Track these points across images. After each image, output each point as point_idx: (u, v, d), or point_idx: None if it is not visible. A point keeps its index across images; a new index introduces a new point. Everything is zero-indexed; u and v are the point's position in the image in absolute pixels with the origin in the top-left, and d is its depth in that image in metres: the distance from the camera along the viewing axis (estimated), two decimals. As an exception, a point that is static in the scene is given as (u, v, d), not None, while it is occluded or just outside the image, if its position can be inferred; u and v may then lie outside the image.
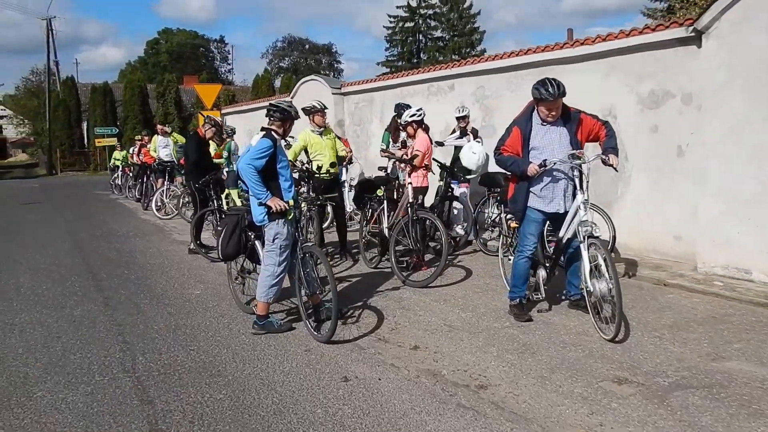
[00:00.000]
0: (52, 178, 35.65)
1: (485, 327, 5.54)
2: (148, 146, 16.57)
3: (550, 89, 5.05)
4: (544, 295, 5.71)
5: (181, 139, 15.46)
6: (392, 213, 7.80)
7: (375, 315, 6.05)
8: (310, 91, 14.72)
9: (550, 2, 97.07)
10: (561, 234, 5.44)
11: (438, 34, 57.45)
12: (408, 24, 57.12)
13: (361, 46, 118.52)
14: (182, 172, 13.28)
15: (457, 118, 9.38)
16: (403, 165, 7.95)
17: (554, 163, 5.19)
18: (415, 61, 56.03)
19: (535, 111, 5.36)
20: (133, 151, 19.03)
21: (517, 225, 5.94)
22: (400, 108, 9.01)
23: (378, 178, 8.34)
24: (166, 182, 14.38)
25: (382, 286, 7.10)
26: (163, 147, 15.01)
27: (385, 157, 8.84)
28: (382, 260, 7.90)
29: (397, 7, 56.66)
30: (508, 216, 6.54)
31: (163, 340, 5.54)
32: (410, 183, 7.33)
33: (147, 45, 72.32)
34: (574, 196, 5.32)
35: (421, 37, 57.85)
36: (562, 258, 5.70)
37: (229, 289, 6.75)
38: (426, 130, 8.07)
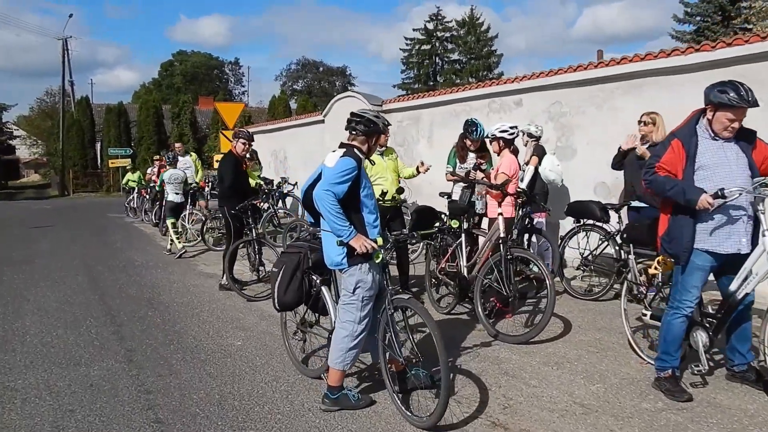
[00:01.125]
0: (65, 200, 34.53)
1: (631, 408, 4.17)
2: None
3: (743, 93, 3.75)
4: (706, 367, 4.32)
5: (198, 164, 14.25)
6: (471, 249, 6.48)
7: (473, 384, 4.70)
8: (345, 108, 13.45)
9: (561, 29, 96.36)
10: (736, 286, 4.09)
11: (455, 56, 56.54)
12: (425, 47, 56.28)
13: (371, 70, 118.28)
14: (205, 195, 12.06)
15: (530, 136, 8.09)
16: (484, 191, 6.67)
17: (738, 195, 3.85)
18: (431, 83, 55.08)
19: (702, 122, 4.05)
20: (152, 171, 17.81)
21: (658, 271, 4.59)
22: (470, 125, 7.73)
23: (452, 205, 7.02)
24: (188, 206, 13.10)
25: (467, 340, 5.76)
26: (184, 168, 13.75)
27: (453, 181, 7.55)
28: (457, 305, 6.55)
29: (414, 29, 55.94)
30: (639, 258, 5.21)
31: (207, 419, 4.20)
32: (501, 214, 5.99)
33: (161, 67, 71.74)
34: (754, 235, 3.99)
35: (437, 60, 56.96)
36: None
37: (284, 346, 5.41)
38: (515, 152, 6.77)
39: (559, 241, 7.44)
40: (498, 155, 6.72)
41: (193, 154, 14.26)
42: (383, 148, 7.23)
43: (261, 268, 8.23)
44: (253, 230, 8.18)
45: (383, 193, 6.82)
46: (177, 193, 12.12)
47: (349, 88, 74.02)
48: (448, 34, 56.16)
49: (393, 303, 4.20)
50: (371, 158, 7.06)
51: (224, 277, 8.31)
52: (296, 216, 13.30)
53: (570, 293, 7.23)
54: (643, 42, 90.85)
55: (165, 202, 12.94)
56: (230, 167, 8.31)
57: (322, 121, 14.55)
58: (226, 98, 57.19)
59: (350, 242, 4.03)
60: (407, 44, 56.53)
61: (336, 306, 4.68)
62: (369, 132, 4.39)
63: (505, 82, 9.64)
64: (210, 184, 15.51)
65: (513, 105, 9.53)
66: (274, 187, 12.74)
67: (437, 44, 56.29)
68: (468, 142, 7.82)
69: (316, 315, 5.08)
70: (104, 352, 5.76)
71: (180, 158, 13.75)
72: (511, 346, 5.48)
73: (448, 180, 7.86)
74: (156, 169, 17.45)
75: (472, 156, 7.85)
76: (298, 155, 16.35)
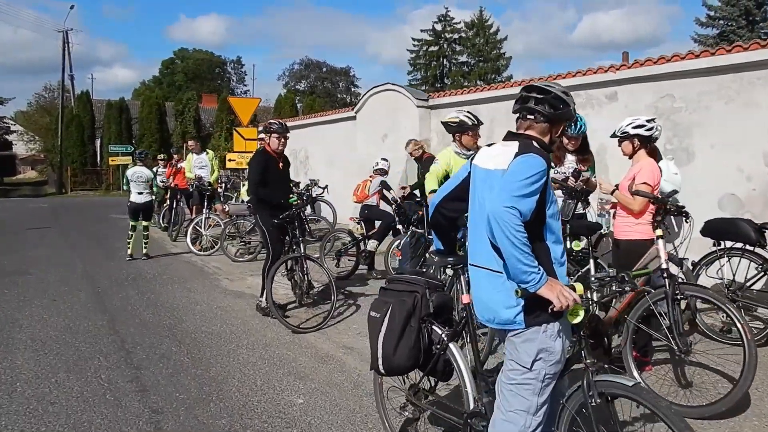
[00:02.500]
0: (62, 198, 32.82)
1: None
2: (181, 165, 13.76)
3: None
4: None
5: (215, 163, 12.68)
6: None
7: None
8: (382, 103, 11.94)
9: (560, 33, 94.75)
10: None
11: (463, 58, 55.11)
12: (432, 48, 54.84)
13: (370, 72, 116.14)
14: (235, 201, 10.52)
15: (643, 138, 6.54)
16: (609, 206, 5.13)
17: None
18: (438, 85, 53.59)
19: None
20: (157, 171, 16.18)
21: None
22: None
23: (576, 222, 5.45)
24: (204, 210, 11.53)
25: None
26: (199, 167, 12.18)
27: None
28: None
29: (422, 30, 54.50)
30: None
31: None
32: (661, 237, 4.42)
33: (162, 64, 69.97)
34: None
35: (445, 62, 55.51)
36: None
37: (381, 421, 3.84)
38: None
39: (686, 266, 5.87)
40: (630, 158, 5.16)
41: (209, 152, 12.68)
42: (470, 152, 5.69)
43: (310, 291, 6.64)
44: (301, 244, 6.61)
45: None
46: (140, 193, 10.66)
47: (352, 89, 72.77)
48: (456, 36, 54.70)
49: (596, 387, 2.64)
50: (452, 159, 5.57)
51: (263, 298, 6.75)
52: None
53: (714, 338, 5.65)
54: (643, 49, 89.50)
55: (128, 202, 11.39)
56: (261, 166, 6.75)
57: (353, 118, 13.01)
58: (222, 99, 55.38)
59: (540, 291, 2.48)
60: (414, 45, 55.08)
61: (471, 375, 3.15)
62: (556, 117, 2.84)
63: (595, 72, 8.09)
64: (224, 185, 13.91)
65: (605, 99, 8.00)
66: (303, 191, 11.18)
67: (445, 45, 54.83)
68: (565, 140, 6.30)
69: (434, 382, 3.53)
70: (120, 413, 4.20)
71: (195, 156, 12.17)
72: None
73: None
74: (169, 170, 15.90)
75: (571, 158, 6.32)
76: (322, 155, 14.80)
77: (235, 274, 9.37)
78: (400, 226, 8.28)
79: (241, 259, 10.53)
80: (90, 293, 8.05)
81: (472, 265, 2.89)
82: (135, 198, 10.72)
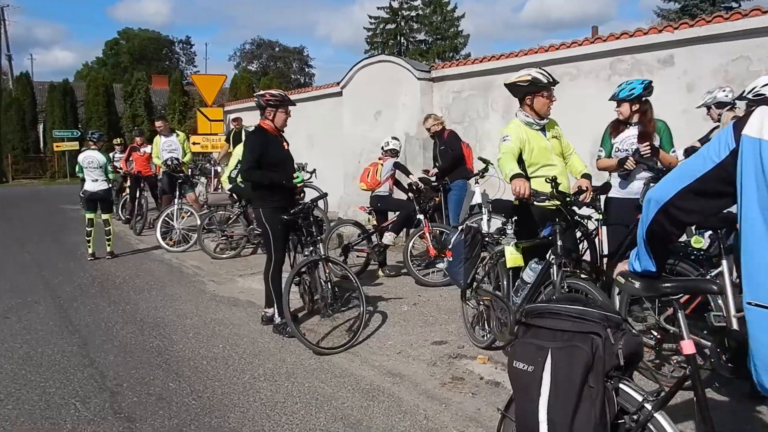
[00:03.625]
0: (4, 188, 30.36)
1: None
2: (144, 150, 12.22)
3: None
4: None
5: (187, 147, 11.21)
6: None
7: None
8: (374, 77, 10.64)
9: (509, 14, 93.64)
10: None
11: (421, 36, 53.86)
12: (389, 26, 53.40)
13: (322, 53, 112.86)
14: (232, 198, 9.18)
15: (719, 106, 5.54)
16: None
17: None
18: (396, 64, 52.06)
19: None
20: (114, 156, 14.51)
21: None
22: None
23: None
24: (176, 199, 10.09)
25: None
26: (168, 151, 10.70)
27: (605, 169, 4.99)
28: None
29: (378, 7, 52.94)
30: None
31: None
32: None
33: (106, 45, 66.55)
34: None
35: (402, 40, 54.15)
36: None
37: None
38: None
39: None
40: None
41: (180, 133, 11.17)
42: (544, 121, 4.53)
43: (336, 303, 5.37)
44: (319, 245, 5.35)
45: (555, 183, 4.09)
46: (95, 180, 9.24)
47: (307, 70, 70.75)
48: (413, 13, 53.35)
49: None
50: (524, 133, 4.42)
51: (269, 310, 5.51)
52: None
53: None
54: (588, 29, 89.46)
55: (82, 191, 10.00)
56: (260, 149, 5.46)
57: (339, 94, 11.68)
58: (177, 79, 52.85)
59: None
60: (371, 23, 53.50)
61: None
62: None
63: (645, 33, 6.99)
64: (190, 171, 12.41)
65: (657, 64, 6.92)
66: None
67: (402, 23, 53.43)
68: (619, 110, 5.28)
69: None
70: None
71: (164, 138, 10.68)
72: None
73: (600, 169, 5.28)
74: (125, 155, 14.29)
75: (629, 133, 5.28)
76: (300, 136, 13.33)
77: (221, 275, 8.04)
78: (421, 216, 7.09)
79: (222, 256, 9.19)
80: (51, 305, 6.63)
81: (759, 305, 1.72)
82: (89, 186, 9.27)
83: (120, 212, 13.53)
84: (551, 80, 4.37)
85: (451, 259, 4.85)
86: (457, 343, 5.07)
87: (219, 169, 11.97)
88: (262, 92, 5.69)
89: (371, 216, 7.55)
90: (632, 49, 7.10)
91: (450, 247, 4.86)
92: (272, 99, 5.56)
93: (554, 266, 3.90)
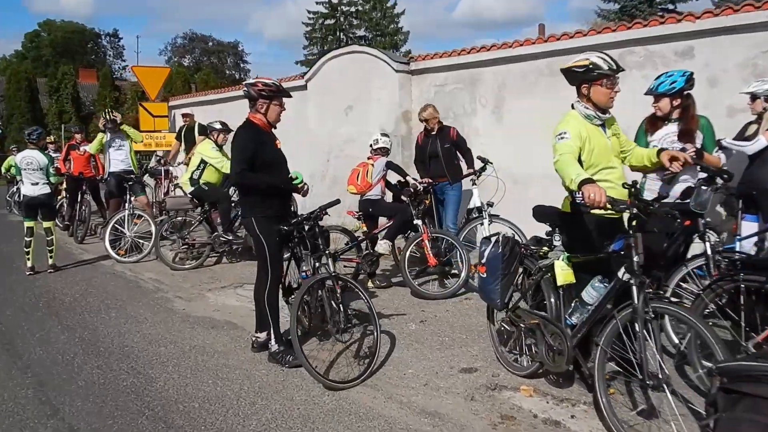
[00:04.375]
0: None
1: None
2: (84, 149, 11.06)
3: None
4: None
5: (137, 136, 10.14)
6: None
7: None
8: (344, 70, 9.85)
9: (442, 13, 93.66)
10: None
11: (361, 33, 53.14)
12: (329, 21, 52.48)
13: (256, 50, 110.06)
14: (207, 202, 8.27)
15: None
16: None
17: None
18: (335, 60, 51.23)
19: None
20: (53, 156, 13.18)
21: None
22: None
23: None
24: (127, 203, 9.06)
25: None
26: (115, 148, 9.61)
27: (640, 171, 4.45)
28: None
29: (317, 2, 51.90)
30: None
31: None
32: None
33: (26, 38, 62.78)
34: None
35: (342, 36, 53.30)
36: None
37: None
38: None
39: None
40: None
41: (129, 129, 10.06)
42: (606, 115, 3.92)
43: (349, 327, 4.58)
44: (328, 260, 4.59)
45: (636, 200, 3.48)
46: (35, 184, 8.19)
47: (242, 65, 68.82)
48: (353, 9, 52.58)
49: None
50: (584, 129, 3.79)
51: (270, 340, 4.70)
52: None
53: None
54: (519, 28, 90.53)
55: (19, 195, 9.03)
56: (252, 146, 4.66)
57: (303, 88, 10.84)
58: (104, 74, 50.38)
59: None
60: (310, 18, 52.42)
61: None
62: None
63: (662, 22, 6.49)
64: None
65: (673, 57, 6.42)
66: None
67: (342, 19, 52.59)
68: (658, 105, 4.80)
69: None
70: None
71: (109, 136, 9.58)
72: None
73: (633, 169, 4.72)
74: (56, 154, 13.01)
75: (668, 130, 4.79)
76: None
77: (187, 290, 7.14)
78: (419, 222, 6.40)
79: (183, 267, 8.25)
80: (-10, 334, 5.62)
81: None
82: (28, 190, 8.18)
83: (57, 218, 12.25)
84: (615, 67, 3.75)
85: (485, 275, 4.19)
86: (489, 371, 4.42)
87: (171, 169, 10.94)
88: (252, 81, 4.88)
89: (360, 222, 6.81)
90: (645, 40, 6.61)
91: (483, 261, 4.20)
92: (265, 89, 4.76)
93: (634, 287, 3.29)
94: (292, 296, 5.09)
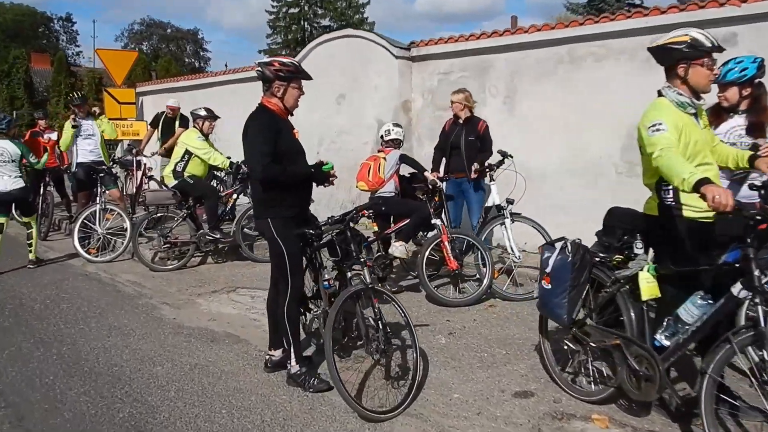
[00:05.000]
0: None
1: None
2: (48, 136, 10.13)
3: None
4: None
5: (112, 133, 9.25)
6: None
7: None
8: (337, 55, 9.14)
9: (402, 4, 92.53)
10: None
11: (325, 22, 52.17)
12: (293, 10, 51.37)
13: (215, 38, 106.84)
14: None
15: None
16: None
17: None
18: (299, 49, 50.23)
19: None
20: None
21: None
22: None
23: None
24: (100, 197, 8.21)
25: None
26: (85, 137, 8.71)
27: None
28: None
29: (281, -10, 50.74)
30: None
31: None
32: None
33: (-29, 21, 59.82)
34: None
35: (306, 25, 52.28)
36: None
37: None
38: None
39: None
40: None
41: (102, 119, 9.15)
42: (701, 101, 3.38)
43: (389, 347, 3.93)
44: (364, 269, 3.94)
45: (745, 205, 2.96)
46: (7, 176, 7.45)
47: (202, 54, 66.98)
48: (317, -2, 51.62)
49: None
50: (679, 119, 3.21)
51: (290, 361, 4.04)
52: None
53: None
54: (480, 21, 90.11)
55: (47, 184, 8.41)
56: (272, 133, 3.99)
57: (288, 74, 10.11)
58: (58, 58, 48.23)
59: None
60: (273, 6, 51.25)
61: None
62: None
63: (702, 6, 5.99)
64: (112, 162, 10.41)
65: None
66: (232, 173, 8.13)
67: (306, 7, 51.55)
68: (724, 95, 4.32)
69: None
70: None
71: (83, 122, 8.67)
72: None
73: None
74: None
75: (735, 122, 4.33)
76: (234, 125, 11.45)
77: (174, 295, 6.39)
78: (438, 221, 5.80)
79: (163, 268, 7.49)
80: (-50, 351, 4.80)
81: None
82: None
83: (15, 213, 11.23)
84: (717, 44, 3.22)
85: (549, 287, 3.62)
86: (547, 395, 3.85)
87: (144, 160, 10.08)
88: (267, 60, 4.20)
89: (370, 220, 6.16)
90: (680, 25, 6.11)
91: (548, 270, 3.62)
92: (283, 69, 4.09)
93: (760, 307, 2.76)
94: (313, 309, 4.45)
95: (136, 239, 7.51)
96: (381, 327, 3.79)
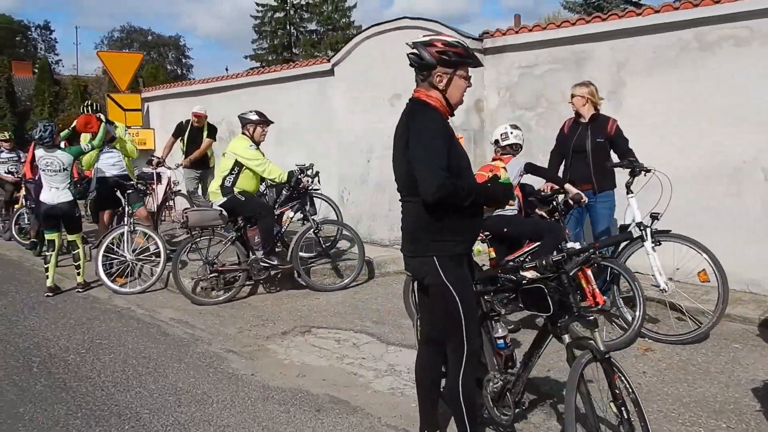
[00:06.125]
0: None
1: None
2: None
3: None
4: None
5: (134, 152, 7.91)
6: None
7: None
8: (391, 51, 7.94)
9: (376, 9, 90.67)
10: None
11: (312, 27, 51.04)
12: (278, 14, 50.12)
13: (195, 44, 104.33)
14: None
15: None
16: None
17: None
18: (286, 54, 49.20)
19: None
20: (0, 157, 10.77)
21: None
22: None
23: None
24: (126, 218, 6.97)
25: None
26: (105, 150, 7.43)
27: None
28: None
29: (265, -6, 49.40)
30: None
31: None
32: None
33: (-55, 29, 57.67)
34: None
35: (292, 30, 51.05)
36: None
37: None
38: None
39: None
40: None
41: (118, 125, 7.83)
42: None
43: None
44: (594, 333, 2.80)
45: None
46: (55, 188, 6.51)
47: (184, 61, 65.30)
48: (303, 2, 50.41)
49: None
50: None
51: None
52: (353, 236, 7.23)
53: None
54: (456, 25, 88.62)
55: (32, 203, 8.04)
56: (447, 137, 2.85)
57: (327, 73, 8.89)
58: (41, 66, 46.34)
59: None
60: (258, 11, 49.93)
61: None
62: None
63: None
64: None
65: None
66: (309, 181, 6.72)
67: (292, 12, 50.30)
68: None
69: None
70: None
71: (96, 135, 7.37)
72: None
73: None
74: (11, 155, 10.69)
75: None
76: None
77: (235, 338, 5.19)
78: (576, 244, 4.65)
79: (208, 300, 6.27)
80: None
81: None
82: (47, 196, 6.50)
83: (16, 234, 9.91)
84: None
85: None
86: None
87: (168, 173, 8.83)
88: (426, 39, 3.04)
89: (484, 245, 4.96)
90: (741, 15, 5.11)
91: None
92: (450, 52, 2.95)
93: None
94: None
95: (177, 267, 6.28)
96: (624, 413, 2.64)
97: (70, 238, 6.79)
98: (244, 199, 6.19)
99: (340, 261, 7.07)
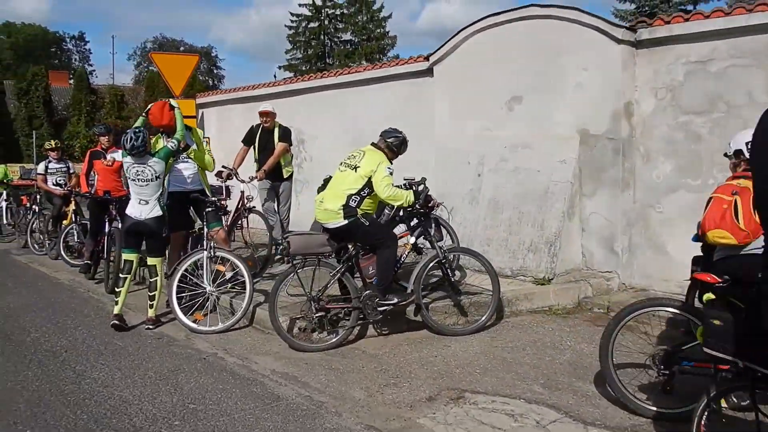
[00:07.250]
0: None
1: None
2: (112, 157, 7.72)
3: None
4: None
5: (210, 165, 6.63)
6: None
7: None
8: (509, 45, 6.72)
9: (405, 22, 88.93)
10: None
11: (346, 37, 50.27)
12: (312, 24, 49.47)
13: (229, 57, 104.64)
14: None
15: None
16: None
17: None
18: (320, 64, 48.43)
19: None
20: (48, 166, 9.73)
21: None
22: None
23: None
24: (206, 241, 5.79)
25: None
26: (179, 160, 6.22)
27: None
28: None
29: (300, 5, 48.78)
30: None
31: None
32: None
33: (-18, 41, 58.23)
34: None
35: (327, 40, 50.31)
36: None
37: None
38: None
39: None
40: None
41: (207, 152, 6.54)
42: None
43: None
44: None
45: None
46: (144, 202, 5.47)
47: (216, 72, 64.90)
48: (338, 12, 49.67)
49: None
50: None
51: None
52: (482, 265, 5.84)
53: None
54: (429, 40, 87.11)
55: (112, 219, 6.80)
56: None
57: (425, 73, 7.69)
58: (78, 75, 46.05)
59: None
60: (293, 21, 49.32)
61: None
62: None
63: None
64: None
65: None
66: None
67: (326, 22, 49.57)
68: None
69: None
70: None
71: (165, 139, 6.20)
72: None
73: None
74: (59, 165, 9.67)
75: None
76: (340, 137, 8.86)
77: (369, 406, 3.95)
78: None
79: (313, 346, 5.05)
80: None
81: None
82: (134, 210, 5.48)
83: (64, 252, 8.82)
84: None
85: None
86: None
87: (242, 187, 7.65)
88: None
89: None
90: None
91: None
92: None
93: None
94: None
95: (275, 303, 5.06)
96: None
97: (151, 261, 5.61)
98: (368, 223, 4.97)
99: (462, 296, 5.79)
